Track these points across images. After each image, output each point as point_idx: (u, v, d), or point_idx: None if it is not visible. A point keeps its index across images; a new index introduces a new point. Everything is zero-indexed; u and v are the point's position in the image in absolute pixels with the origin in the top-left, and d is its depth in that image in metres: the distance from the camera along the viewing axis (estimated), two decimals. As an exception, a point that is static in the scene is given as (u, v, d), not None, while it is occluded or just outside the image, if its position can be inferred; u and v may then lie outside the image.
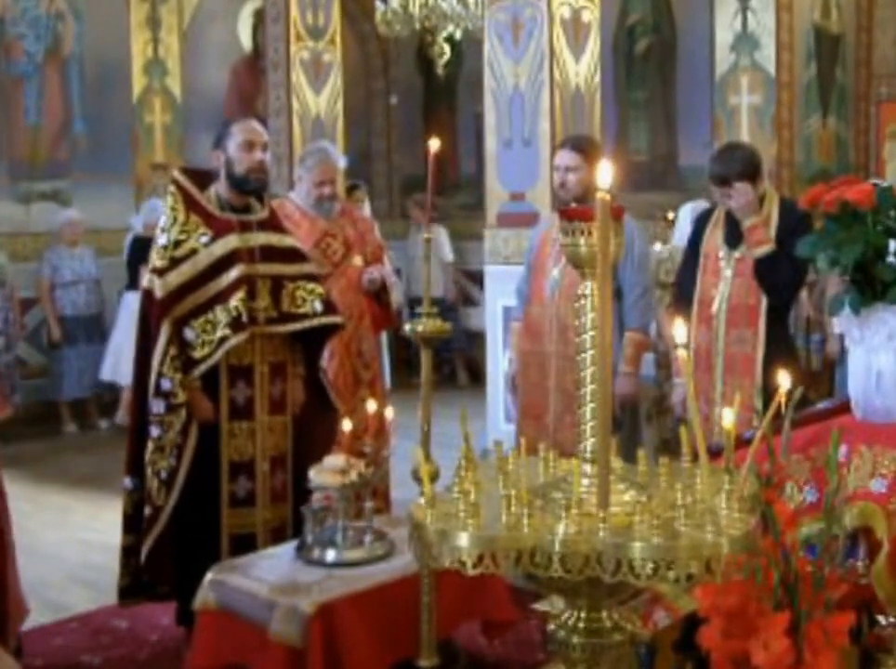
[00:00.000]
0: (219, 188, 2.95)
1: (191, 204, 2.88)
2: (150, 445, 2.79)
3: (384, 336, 4.85)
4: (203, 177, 2.97)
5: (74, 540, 4.02)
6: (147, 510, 2.80)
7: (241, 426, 2.92)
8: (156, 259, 2.85)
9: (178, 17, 7.07)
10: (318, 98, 6.05)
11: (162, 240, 2.87)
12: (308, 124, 6.01)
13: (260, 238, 2.95)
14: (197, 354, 2.79)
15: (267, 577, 2.47)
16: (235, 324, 2.81)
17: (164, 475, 2.78)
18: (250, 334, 2.86)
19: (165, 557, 2.81)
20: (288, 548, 2.66)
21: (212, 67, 7.35)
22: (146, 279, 2.89)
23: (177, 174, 2.99)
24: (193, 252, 2.83)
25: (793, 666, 1.34)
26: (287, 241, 3.05)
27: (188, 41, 7.15)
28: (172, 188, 2.93)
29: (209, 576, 2.52)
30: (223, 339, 2.80)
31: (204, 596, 2.50)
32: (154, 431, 2.78)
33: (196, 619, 2.54)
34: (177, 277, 2.82)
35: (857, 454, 1.82)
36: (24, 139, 6.41)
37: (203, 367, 2.80)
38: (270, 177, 6.35)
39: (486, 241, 4.85)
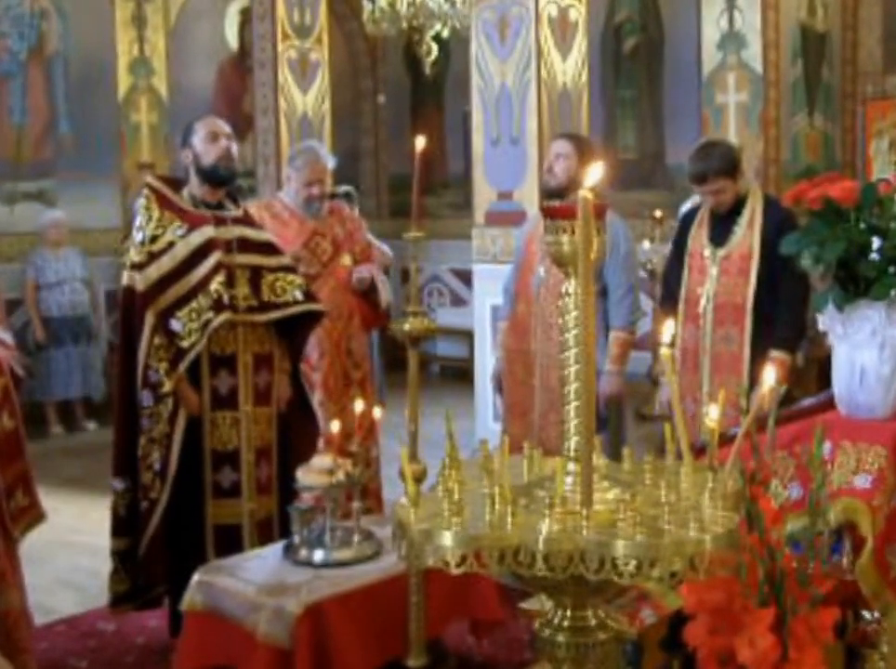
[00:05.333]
0: (192, 187, 2.97)
1: (165, 203, 2.90)
2: (141, 439, 2.80)
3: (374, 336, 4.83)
4: (176, 183, 3.00)
5: (61, 543, 3.99)
6: (143, 505, 2.80)
7: (224, 416, 2.91)
8: (134, 255, 2.86)
9: (164, 15, 7.03)
10: (305, 98, 6.04)
11: (138, 236, 2.88)
12: (295, 123, 5.99)
13: (235, 231, 2.97)
14: (185, 343, 2.80)
15: (254, 578, 2.46)
16: (216, 306, 2.82)
17: (157, 467, 2.78)
18: (232, 324, 2.86)
19: (161, 555, 2.80)
20: (276, 549, 2.65)
21: (198, 66, 7.32)
22: (125, 276, 2.89)
23: (150, 179, 3.04)
24: (171, 245, 2.85)
25: (778, 662, 1.34)
26: (264, 235, 3.06)
27: (174, 39, 7.11)
28: (146, 191, 2.96)
29: (196, 577, 2.50)
30: (207, 322, 2.81)
31: (192, 597, 2.48)
32: (145, 424, 2.80)
33: (184, 620, 2.52)
34: (156, 270, 2.83)
35: (841, 451, 1.83)
36: (8, 139, 6.36)
37: (192, 354, 2.81)
38: (258, 176, 6.34)
39: (474, 240, 4.85)
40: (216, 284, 2.82)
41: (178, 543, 2.84)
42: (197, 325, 2.79)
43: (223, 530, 2.90)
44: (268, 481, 2.99)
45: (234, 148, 2.97)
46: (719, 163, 3.04)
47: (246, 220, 3.04)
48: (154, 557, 2.79)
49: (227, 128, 2.99)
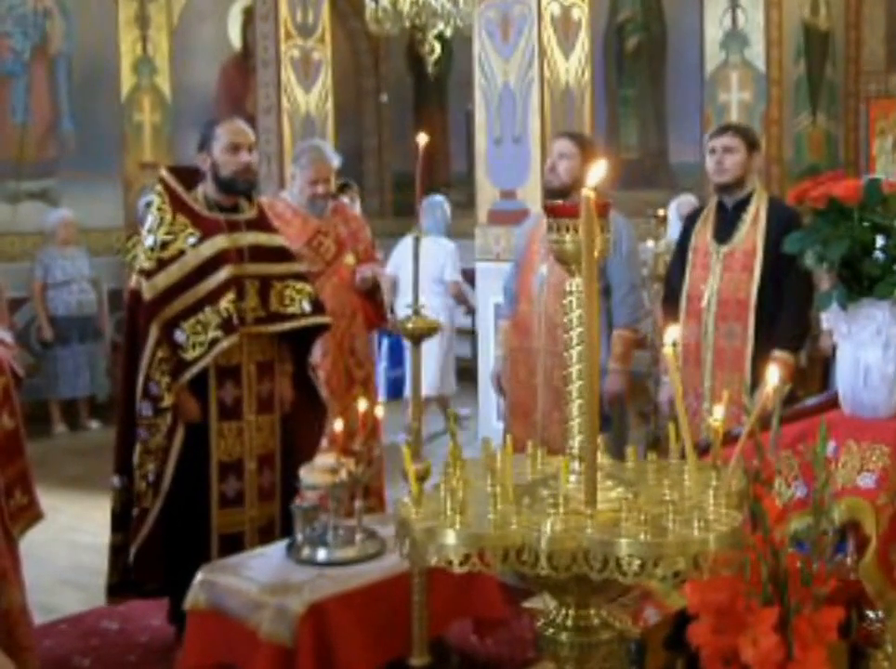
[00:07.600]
0: (207, 188, 2.93)
1: (179, 205, 2.86)
2: (137, 447, 2.80)
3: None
4: (191, 176, 2.94)
5: (64, 541, 4.00)
6: (135, 511, 2.81)
7: (230, 427, 2.91)
8: (143, 260, 2.83)
9: (167, 14, 7.03)
10: (308, 97, 6.03)
11: (149, 241, 2.85)
12: (298, 122, 5.99)
13: (249, 237, 2.93)
14: (188, 356, 2.78)
15: (257, 577, 2.47)
16: (226, 326, 2.79)
17: (151, 477, 2.78)
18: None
19: (154, 556, 2.81)
20: (279, 548, 2.66)
21: (201, 65, 7.32)
22: (133, 279, 2.88)
23: (164, 173, 2.96)
24: (181, 253, 2.82)
25: (782, 662, 1.34)
26: (276, 240, 3.03)
27: (177, 39, 7.12)
28: (159, 187, 2.91)
29: (200, 576, 2.51)
30: (214, 341, 2.79)
31: (195, 596, 2.49)
32: (142, 434, 2.79)
33: (187, 619, 2.53)
34: (164, 278, 2.80)
35: (845, 450, 1.82)
36: (11, 139, 6.37)
37: (194, 369, 2.79)
38: (260, 176, 6.35)
39: (477, 239, 4.84)
40: (226, 302, 2.78)
41: (185, 551, 2.84)
42: (203, 339, 2.77)
43: (227, 537, 2.91)
44: (271, 487, 3.00)
45: (255, 158, 2.92)
46: (746, 129, 3.29)
47: (260, 222, 3.00)
48: (147, 561, 2.80)
49: (249, 135, 2.92)
